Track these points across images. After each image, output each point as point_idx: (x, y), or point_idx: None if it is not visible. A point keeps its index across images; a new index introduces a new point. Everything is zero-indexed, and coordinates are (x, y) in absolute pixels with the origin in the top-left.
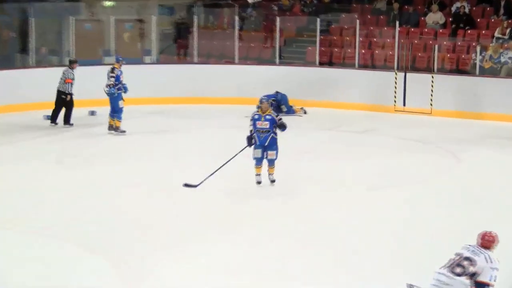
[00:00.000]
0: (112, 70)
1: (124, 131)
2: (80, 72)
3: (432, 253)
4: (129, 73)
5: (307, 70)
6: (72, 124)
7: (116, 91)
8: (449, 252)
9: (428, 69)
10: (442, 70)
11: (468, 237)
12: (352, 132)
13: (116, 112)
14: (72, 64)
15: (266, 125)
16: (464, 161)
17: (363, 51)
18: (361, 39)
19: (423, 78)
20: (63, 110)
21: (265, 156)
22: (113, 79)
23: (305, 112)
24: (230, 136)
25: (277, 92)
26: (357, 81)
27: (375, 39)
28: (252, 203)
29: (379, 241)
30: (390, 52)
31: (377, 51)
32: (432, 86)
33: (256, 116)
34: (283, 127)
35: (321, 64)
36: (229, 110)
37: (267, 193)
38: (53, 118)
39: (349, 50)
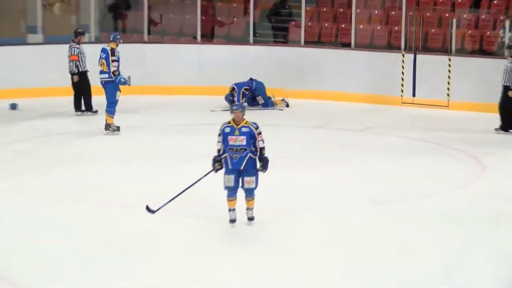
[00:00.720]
0: (113, 52)
1: (118, 127)
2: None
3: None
4: (58, 55)
5: (290, 51)
6: (96, 111)
7: (122, 80)
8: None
9: (444, 50)
10: (461, 51)
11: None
12: (348, 131)
13: (110, 105)
14: (77, 36)
15: (241, 141)
16: (489, 168)
17: (361, 26)
18: (358, 11)
19: (437, 62)
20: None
21: (240, 185)
22: (116, 63)
23: (287, 105)
24: (193, 139)
25: (251, 80)
26: (354, 66)
27: (376, 12)
28: (228, 230)
29: (387, 271)
30: (396, 28)
31: (379, 27)
32: (449, 71)
33: (227, 129)
34: (266, 164)
35: (307, 43)
36: (189, 103)
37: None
38: (75, 105)
39: (343, 26)
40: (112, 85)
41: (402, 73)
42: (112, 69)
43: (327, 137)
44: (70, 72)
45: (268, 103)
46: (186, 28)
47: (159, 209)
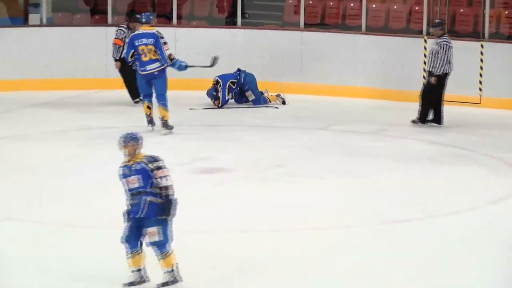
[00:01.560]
0: (161, 36)
1: (172, 127)
2: None
3: None
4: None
5: (286, 35)
6: (137, 101)
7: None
8: None
9: (475, 34)
10: (496, 36)
11: None
12: (356, 134)
13: (164, 97)
14: (133, 22)
15: (135, 182)
16: None
17: (373, 5)
18: None
19: (467, 49)
20: None
21: (141, 237)
22: (167, 45)
23: (283, 102)
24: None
25: (239, 71)
26: (364, 53)
27: None
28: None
29: None
30: (416, 8)
31: (395, 7)
32: (481, 60)
33: (124, 171)
34: (168, 210)
35: (308, 26)
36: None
37: (224, 239)
38: (131, 94)
39: (351, 5)
40: (165, 74)
41: (424, 62)
42: (168, 52)
43: (331, 141)
44: (113, 57)
45: (260, 100)
46: (159, 7)
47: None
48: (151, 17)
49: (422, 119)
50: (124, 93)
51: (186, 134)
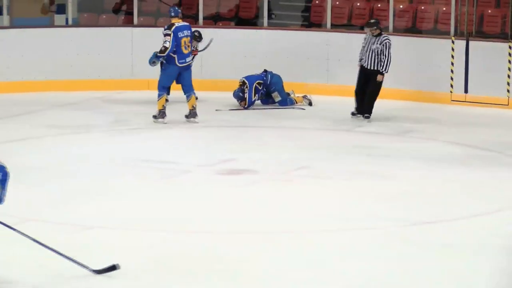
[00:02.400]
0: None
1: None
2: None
3: None
4: (27, 41)
5: (313, 36)
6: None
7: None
8: None
9: (503, 35)
10: None
11: None
12: (382, 135)
13: (192, 86)
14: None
15: None
16: None
17: (400, 6)
18: None
19: (495, 49)
20: None
21: None
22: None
23: (309, 103)
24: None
25: (265, 72)
26: (392, 54)
27: None
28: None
29: None
30: (444, 9)
31: (423, 7)
32: (509, 62)
33: None
34: None
35: (335, 26)
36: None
37: (244, 241)
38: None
39: (379, 5)
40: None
41: (452, 63)
42: (200, 47)
43: (357, 143)
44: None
45: (287, 101)
46: (185, 8)
47: None
48: (178, 9)
49: (368, 111)
50: (149, 94)
51: (212, 135)
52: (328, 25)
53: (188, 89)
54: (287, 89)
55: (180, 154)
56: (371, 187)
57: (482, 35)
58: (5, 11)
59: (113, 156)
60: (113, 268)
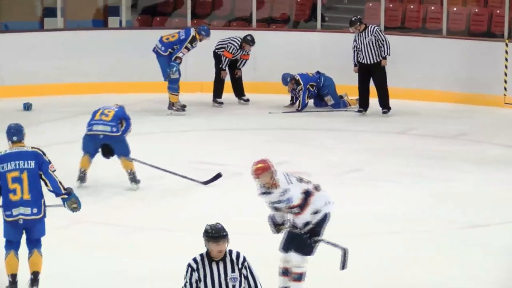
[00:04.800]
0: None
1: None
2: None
3: None
4: (81, 44)
5: None
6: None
7: None
8: None
9: None
10: None
11: None
12: (435, 138)
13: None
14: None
15: None
16: None
17: (454, 9)
18: None
19: None
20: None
21: None
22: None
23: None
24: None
25: (319, 73)
26: (445, 57)
27: None
28: None
29: None
30: (498, 11)
31: (476, 10)
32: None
33: None
34: None
35: (388, 29)
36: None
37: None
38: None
39: (432, 8)
40: None
41: (506, 66)
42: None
43: (410, 145)
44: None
45: (340, 104)
46: (238, 11)
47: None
48: (204, 29)
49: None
50: (202, 96)
51: (264, 137)
52: (382, 27)
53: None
54: (340, 91)
55: (232, 156)
56: (426, 190)
57: None
58: (59, 13)
59: (165, 157)
60: (218, 176)
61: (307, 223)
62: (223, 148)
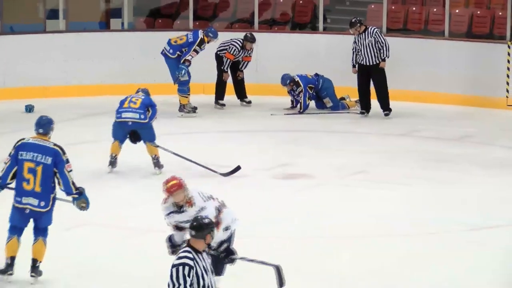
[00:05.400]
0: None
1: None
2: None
3: None
4: (84, 46)
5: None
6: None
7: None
8: None
9: None
10: None
11: None
12: (439, 140)
13: None
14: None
15: None
16: None
17: (456, 11)
18: None
19: None
20: None
21: None
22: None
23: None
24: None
25: (317, 76)
26: (447, 59)
27: None
28: None
29: None
30: (500, 13)
31: (478, 12)
32: None
33: None
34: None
35: (390, 31)
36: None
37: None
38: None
39: (434, 10)
40: None
41: (508, 68)
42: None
43: (413, 148)
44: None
45: (339, 106)
46: (240, 12)
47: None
48: (211, 31)
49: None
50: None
51: (268, 140)
52: (384, 30)
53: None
54: (342, 93)
55: (236, 158)
56: (430, 192)
57: None
58: (61, 15)
59: (170, 159)
60: (238, 168)
61: (221, 242)
62: (226, 150)
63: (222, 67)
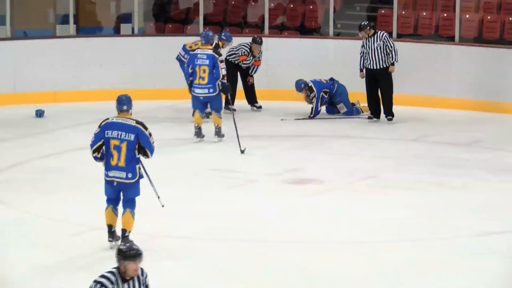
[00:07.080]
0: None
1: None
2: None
3: None
4: (95, 50)
5: None
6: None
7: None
8: None
9: None
10: None
11: None
12: (449, 145)
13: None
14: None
15: None
16: None
17: (467, 16)
18: None
19: None
20: None
21: None
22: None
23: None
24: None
25: (332, 80)
26: (458, 64)
27: None
28: None
29: None
30: (511, 18)
31: (489, 17)
32: None
33: None
34: None
35: (401, 36)
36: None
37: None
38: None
39: (445, 15)
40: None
41: None
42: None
43: (423, 153)
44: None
45: (353, 112)
46: (250, 17)
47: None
48: (224, 35)
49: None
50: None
51: (277, 145)
52: (394, 34)
53: None
54: (352, 99)
55: (247, 163)
56: (441, 197)
57: None
58: (71, 20)
59: (180, 165)
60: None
61: None
62: (237, 155)
63: (250, 72)
